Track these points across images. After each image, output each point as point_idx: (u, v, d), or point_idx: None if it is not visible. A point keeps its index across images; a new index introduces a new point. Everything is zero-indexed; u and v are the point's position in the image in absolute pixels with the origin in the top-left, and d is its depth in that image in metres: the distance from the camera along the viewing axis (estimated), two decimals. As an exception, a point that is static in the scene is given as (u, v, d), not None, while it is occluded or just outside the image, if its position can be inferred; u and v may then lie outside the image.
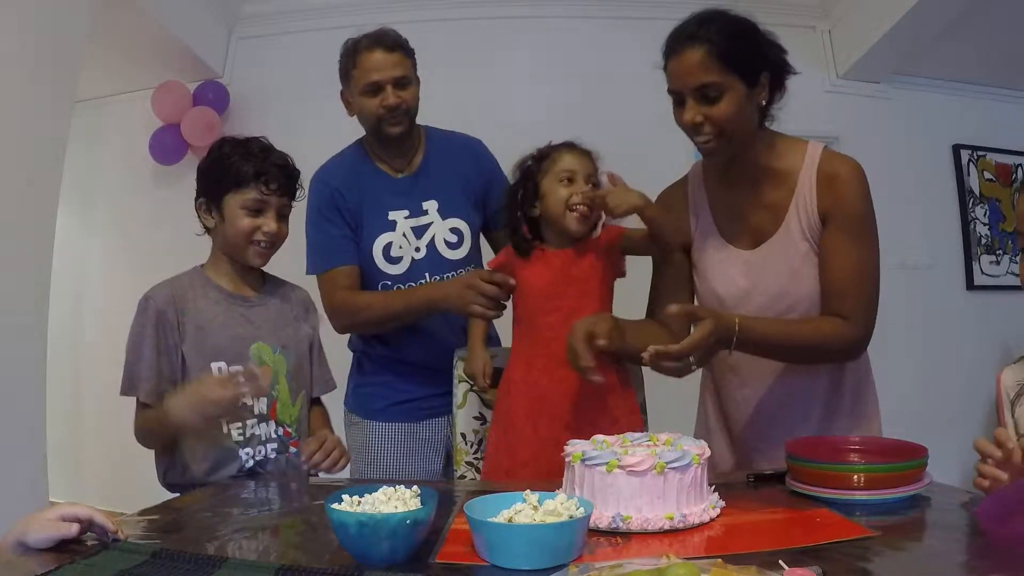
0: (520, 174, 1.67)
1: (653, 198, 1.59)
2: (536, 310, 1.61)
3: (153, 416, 1.47)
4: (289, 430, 1.56)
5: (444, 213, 1.91)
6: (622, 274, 1.68)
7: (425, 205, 1.91)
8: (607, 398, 1.61)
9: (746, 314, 1.38)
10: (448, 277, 1.88)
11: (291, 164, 1.58)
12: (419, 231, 1.90)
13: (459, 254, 1.91)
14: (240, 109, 3.81)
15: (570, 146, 1.65)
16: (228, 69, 3.86)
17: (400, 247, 1.89)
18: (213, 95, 3.72)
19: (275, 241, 1.55)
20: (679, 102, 1.34)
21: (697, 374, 1.65)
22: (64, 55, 2.49)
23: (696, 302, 1.54)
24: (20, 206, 2.32)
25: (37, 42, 2.36)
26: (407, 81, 1.86)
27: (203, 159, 1.59)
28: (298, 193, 1.61)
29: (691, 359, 1.23)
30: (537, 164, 1.64)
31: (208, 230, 1.59)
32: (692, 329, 1.29)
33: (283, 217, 1.57)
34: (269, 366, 1.54)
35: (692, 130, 1.34)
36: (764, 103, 1.35)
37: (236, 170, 1.50)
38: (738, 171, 1.43)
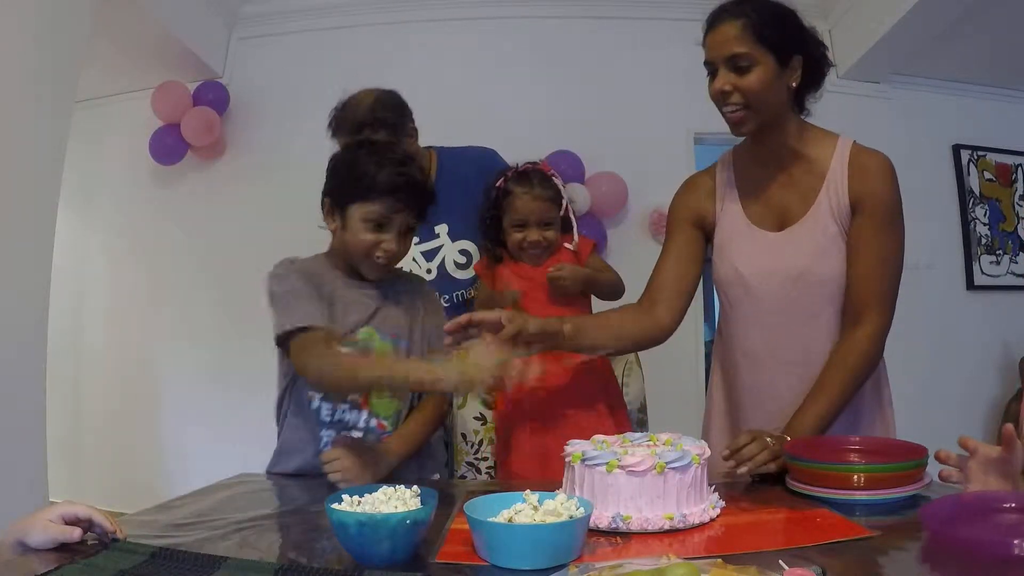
0: (488, 202, 1.78)
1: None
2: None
3: (345, 363, 1.36)
4: (385, 423, 1.48)
5: (453, 236, 2.00)
6: None
7: (436, 229, 2.00)
8: (596, 387, 1.64)
9: (767, 293, 1.43)
10: (457, 296, 1.99)
11: (425, 182, 1.50)
12: (430, 255, 2.01)
13: (467, 273, 2.00)
14: (240, 109, 3.82)
15: (527, 186, 1.73)
16: (228, 69, 3.86)
17: (411, 271, 1.97)
18: (213, 95, 3.72)
19: (393, 259, 1.49)
20: (712, 73, 1.39)
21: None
22: (64, 55, 2.49)
23: (718, 281, 1.54)
24: (20, 206, 2.32)
25: (37, 42, 2.36)
26: None
27: (336, 155, 1.52)
28: (428, 214, 1.53)
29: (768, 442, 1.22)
30: (502, 196, 1.74)
31: (329, 229, 1.53)
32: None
33: (407, 233, 1.49)
34: (376, 354, 1.47)
35: (721, 98, 1.38)
36: (795, 85, 1.39)
37: (368, 180, 1.42)
38: (769, 152, 1.46)
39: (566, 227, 1.79)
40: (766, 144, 1.45)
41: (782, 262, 1.42)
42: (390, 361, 1.42)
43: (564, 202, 1.75)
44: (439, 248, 2.01)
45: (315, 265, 1.51)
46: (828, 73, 1.46)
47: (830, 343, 1.40)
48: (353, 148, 1.51)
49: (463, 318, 1.36)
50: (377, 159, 1.45)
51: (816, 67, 1.43)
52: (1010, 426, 1.00)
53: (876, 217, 1.38)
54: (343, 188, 1.46)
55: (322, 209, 1.51)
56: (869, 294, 1.37)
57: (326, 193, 1.49)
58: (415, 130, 2.01)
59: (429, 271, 2.01)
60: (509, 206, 1.74)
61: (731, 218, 1.50)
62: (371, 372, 1.35)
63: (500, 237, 1.78)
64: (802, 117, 1.46)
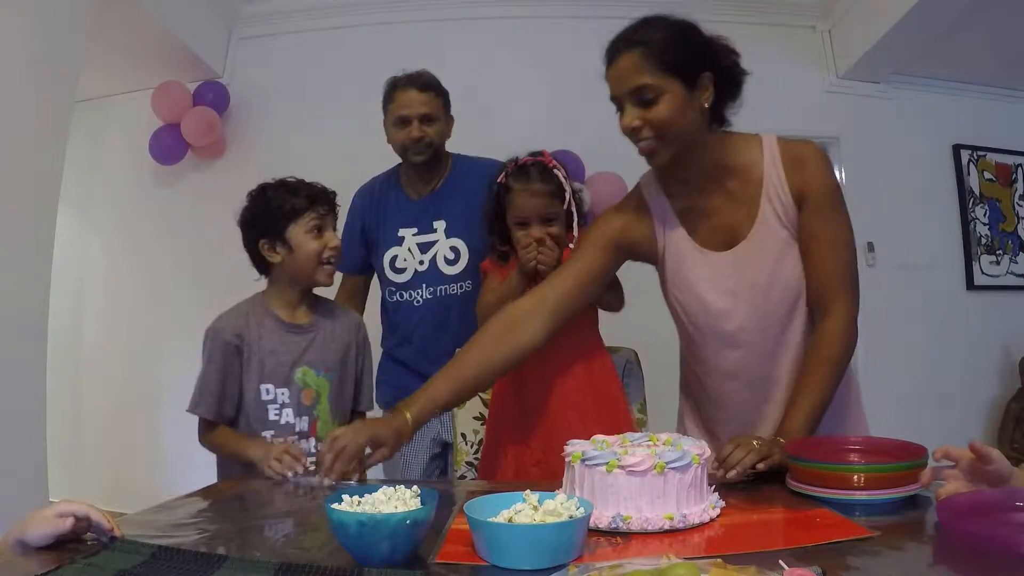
0: (492, 198, 1.73)
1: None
2: None
3: (231, 444, 1.61)
4: None
5: (449, 232, 2.09)
6: None
7: (435, 224, 2.11)
8: (594, 403, 1.63)
9: (736, 314, 1.40)
10: (444, 289, 2.08)
11: (326, 187, 1.72)
12: (425, 247, 2.10)
13: (455, 270, 2.09)
14: (240, 109, 3.82)
15: (525, 182, 1.66)
16: (228, 69, 3.86)
17: (404, 259, 2.12)
18: (213, 95, 3.72)
19: (339, 256, 1.69)
20: (620, 108, 1.34)
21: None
22: (64, 55, 2.49)
23: (679, 311, 1.49)
24: (20, 206, 2.32)
25: (37, 42, 2.36)
26: (433, 118, 2.07)
27: (245, 210, 1.69)
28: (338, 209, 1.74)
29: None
30: (503, 193, 1.69)
31: (266, 269, 1.69)
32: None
33: (334, 231, 1.71)
34: (313, 389, 1.66)
35: (632, 134, 1.33)
36: (707, 105, 1.33)
37: (290, 203, 1.64)
38: (697, 174, 1.41)
39: (570, 221, 1.71)
40: (691, 168, 1.39)
41: (741, 280, 1.39)
42: (241, 441, 1.60)
43: (567, 195, 1.67)
44: (435, 242, 2.10)
45: (248, 313, 1.66)
46: (744, 81, 1.37)
47: (805, 345, 1.39)
48: (260, 191, 1.68)
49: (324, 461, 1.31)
50: (286, 188, 1.66)
51: (730, 77, 1.35)
52: (975, 442, 1.00)
53: (821, 205, 1.35)
54: (274, 220, 1.64)
55: (260, 253, 1.66)
56: (831, 282, 1.35)
57: (259, 236, 1.65)
58: (452, 119, 2.15)
59: (422, 263, 2.10)
60: (510, 204, 1.68)
61: (679, 246, 1.45)
62: (229, 447, 1.61)
63: (505, 234, 1.72)
64: (726, 127, 1.40)
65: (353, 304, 2.18)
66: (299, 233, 1.64)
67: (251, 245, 1.68)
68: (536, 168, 1.67)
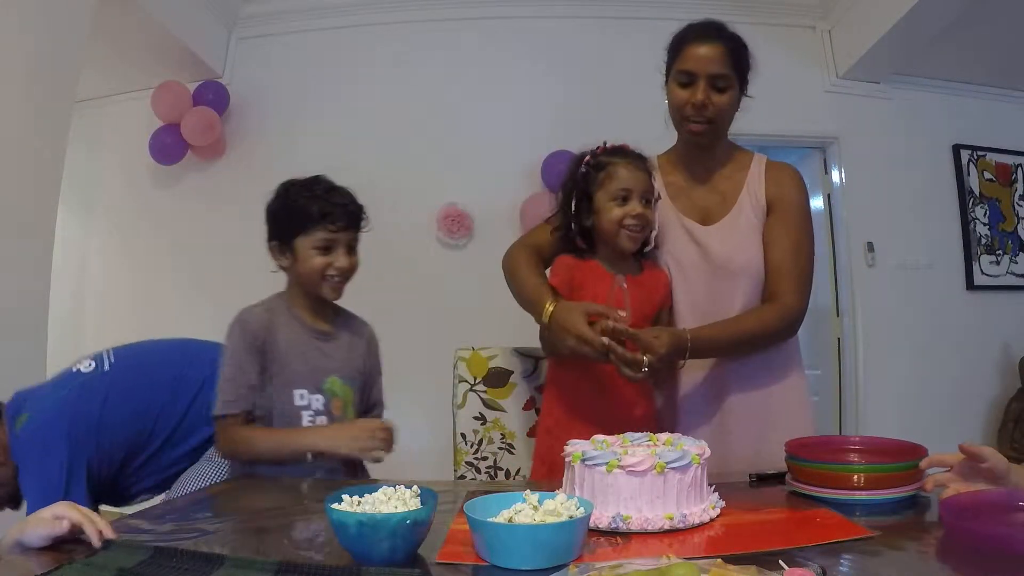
0: (574, 183, 1.59)
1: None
2: None
3: (277, 437, 1.52)
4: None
5: None
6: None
7: None
8: (642, 401, 1.61)
9: (698, 282, 1.56)
10: None
11: (354, 200, 1.62)
12: None
13: None
14: (240, 109, 3.82)
15: (626, 158, 1.57)
16: (228, 69, 3.86)
17: None
18: (213, 95, 3.72)
19: (347, 275, 1.60)
20: (687, 83, 1.51)
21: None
22: (64, 55, 2.49)
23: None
24: (20, 206, 2.33)
25: (37, 42, 2.36)
26: None
27: (271, 201, 1.62)
28: (364, 224, 1.63)
29: (645, 360, 1.36)
30: (593, 173, 1.57)
31: (283, 268, 1.63)
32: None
33: (352, 250, 1.60)
34: (340, 399, 1.61)
35: (694, 109, 1.51)
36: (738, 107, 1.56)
37: (303, 213, 1.55)
38: (699, 161, 1.62)
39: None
40: (704, 153, 1.60)
41: (709, 251, 1.56)
42: (290, 432, 1.53)
43: (655, 190, 1.58)
44: None
45: (272, 314, 1.58)
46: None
47: None
48: (284, 190, 1.61)
49: None
50: (307, 192, 1.57)
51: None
52: (964, 444, 1.01)
53: (789, 216, 1.55)
54: (285, 226, 1.57)
55: (271, 254, 1.61)
56: (785, 278, 1.52)
57: (271, 237, 1.60)
58: None
59: None
60: (607, 178, 1.54)
61: (662, 213, 1.60)
62: (268, 443, 1.50)
63: (586, 223, 1.58)
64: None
65: None
66: (305, 246, 1.55)
67: (268, 241, 1.61)
68: (628, 150, 1.60)
